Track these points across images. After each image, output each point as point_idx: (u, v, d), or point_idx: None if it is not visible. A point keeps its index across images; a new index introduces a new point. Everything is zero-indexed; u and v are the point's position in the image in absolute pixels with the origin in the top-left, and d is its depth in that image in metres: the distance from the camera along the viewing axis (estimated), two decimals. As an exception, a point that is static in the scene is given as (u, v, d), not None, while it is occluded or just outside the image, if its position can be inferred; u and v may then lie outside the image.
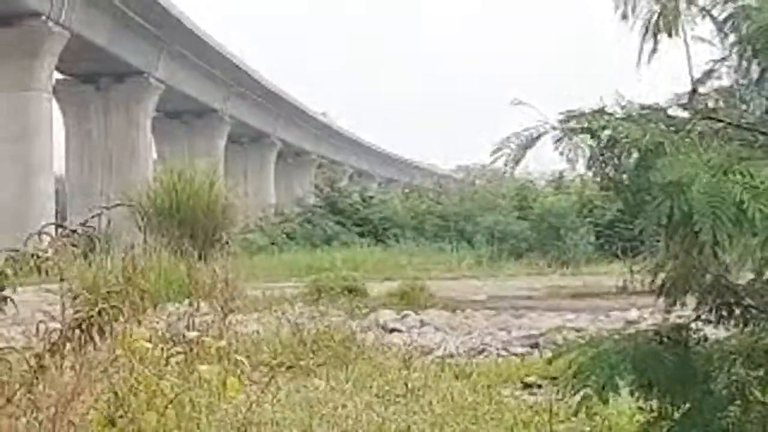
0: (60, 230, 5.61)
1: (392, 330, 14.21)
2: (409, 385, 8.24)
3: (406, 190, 52.86)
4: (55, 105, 45.68)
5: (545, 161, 4.10)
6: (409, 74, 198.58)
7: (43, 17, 40.06)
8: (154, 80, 51.10)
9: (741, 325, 4.48)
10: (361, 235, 40.15)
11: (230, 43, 58.81)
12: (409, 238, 39.62)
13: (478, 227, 37.94)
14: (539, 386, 9.20)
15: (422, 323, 15.09)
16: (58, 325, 5.59)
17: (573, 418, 6.66)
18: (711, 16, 4.24)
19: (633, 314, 14.82)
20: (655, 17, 4.20)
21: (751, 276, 4.45)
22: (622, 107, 4.13)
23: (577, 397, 4.30)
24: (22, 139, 39.51)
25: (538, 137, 4.04)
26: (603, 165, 4.09)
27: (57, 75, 46.29)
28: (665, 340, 4.38)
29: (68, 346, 5.51)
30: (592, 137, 4.00)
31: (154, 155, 53.90)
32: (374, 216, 42.11)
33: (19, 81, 39.90)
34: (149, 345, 6.19)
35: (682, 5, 4.21)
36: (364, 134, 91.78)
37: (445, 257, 34.63)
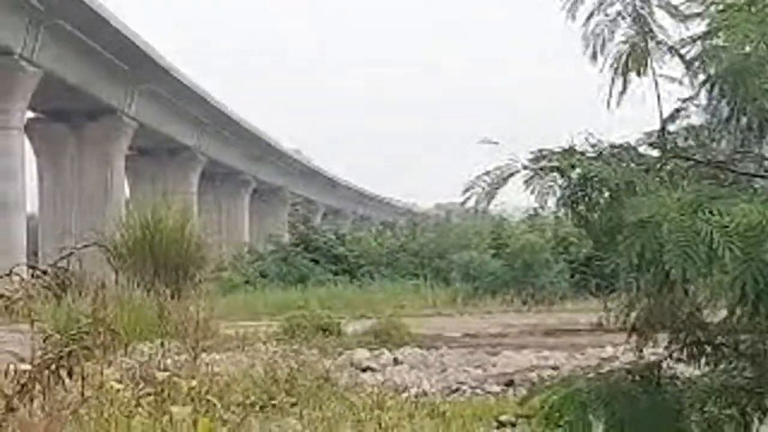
0: (31, 271, 5.59)
1: (366, 369, 14.16)
2: (383, 425, 8.20)
3: (380, 228, 52.74)
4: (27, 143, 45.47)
5: (521, 194, 4.09)
6: (388, 112, 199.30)
7: (16, 55, 39.88)
8: (128, 118, 51.05)
9: (713, 364, 4.48)
10: (336, 273, 40.03)
11: (203, 80, 58.68)
12: (383, 276, 39.55)
13: (453, 264, 37.87)
14: (513, 425, 9.19)
15: (397, 361, 15.04)
16: (28, 366, 5.54)
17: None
18: (680, 55, 4.27)
19: (608, 351, 14.82)
20: (624, 57, 4.23)
21: (724, 314, 4.45)
22: (593, 146, 4.14)
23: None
24: (-4, 178, 39.27)
25: (509, 176, 4.05)
26: (574, 204, 4.10)
27: (29, 113, 46.08)
28: (637, 378, 4.38)
29: (38, 387, 5.45)
30: (562, 176, 4.01)
31: (127, 192, 53.71)
32: (349, 254, 42.00)
33: (-9, 120, 39.67)
34: (120, 386, 6.14)
35: (651, 45, 4.24)
36: (340, 172, 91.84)
37: (420, 294, 34.53)
